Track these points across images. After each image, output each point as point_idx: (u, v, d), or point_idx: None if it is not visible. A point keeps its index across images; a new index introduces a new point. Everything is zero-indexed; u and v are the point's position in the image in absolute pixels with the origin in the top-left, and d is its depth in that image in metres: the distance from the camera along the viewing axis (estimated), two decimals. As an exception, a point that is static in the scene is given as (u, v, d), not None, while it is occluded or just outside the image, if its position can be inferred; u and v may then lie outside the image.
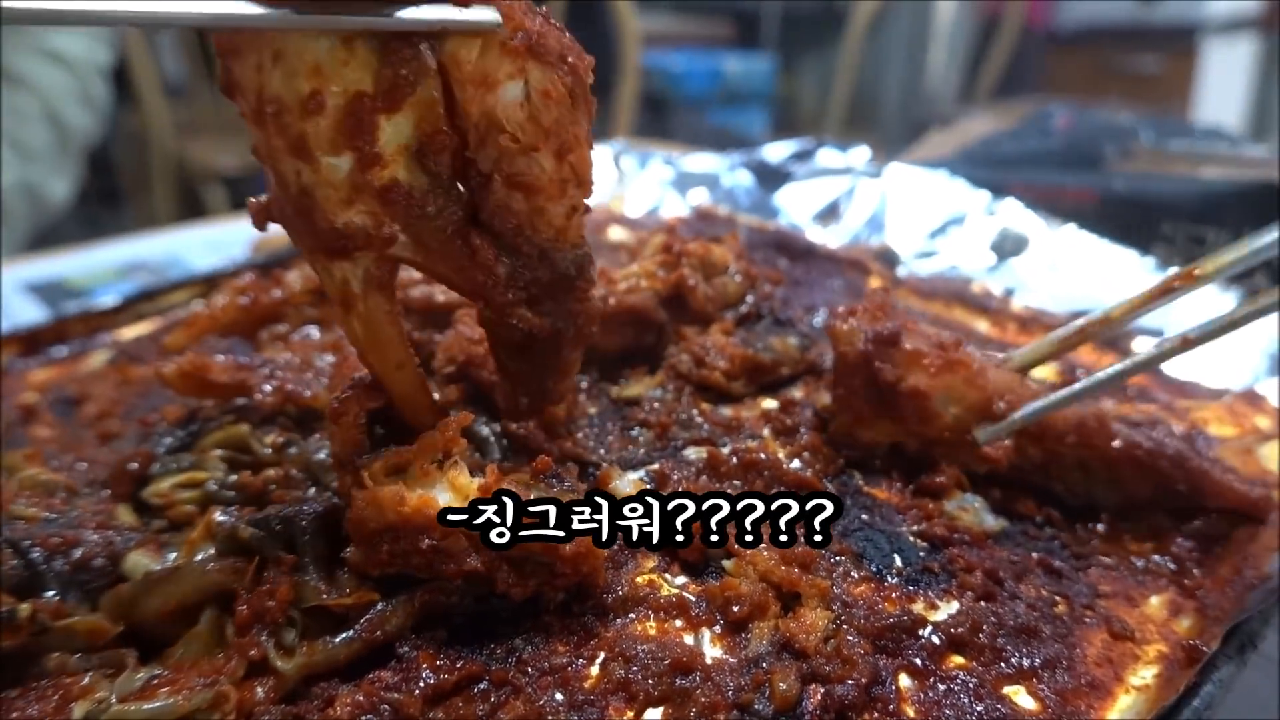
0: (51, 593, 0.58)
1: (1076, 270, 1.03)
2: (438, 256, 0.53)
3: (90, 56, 1.84)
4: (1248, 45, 4.59)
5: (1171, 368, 0.90)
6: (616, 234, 1.26)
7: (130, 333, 1.06)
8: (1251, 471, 0.76)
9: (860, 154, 1.26)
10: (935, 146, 1.57)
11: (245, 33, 0.46)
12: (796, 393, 0.83)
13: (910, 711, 0.53)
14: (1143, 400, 0.86)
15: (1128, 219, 1.17)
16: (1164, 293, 0.67)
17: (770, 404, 0.82)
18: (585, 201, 0.56)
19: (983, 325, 1.01)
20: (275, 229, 0.54)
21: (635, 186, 1.38)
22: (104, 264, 1.52)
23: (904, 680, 0.55)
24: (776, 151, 1.33)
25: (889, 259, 1.11)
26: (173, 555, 0.62)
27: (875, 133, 5.17)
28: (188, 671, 0.52)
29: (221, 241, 1.58)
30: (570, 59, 0.51)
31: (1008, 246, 1.07)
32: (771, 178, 1.29)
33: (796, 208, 1.24)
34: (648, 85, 4.03)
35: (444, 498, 0.55)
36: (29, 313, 1.32)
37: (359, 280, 0.52)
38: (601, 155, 1.44)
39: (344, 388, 0.64)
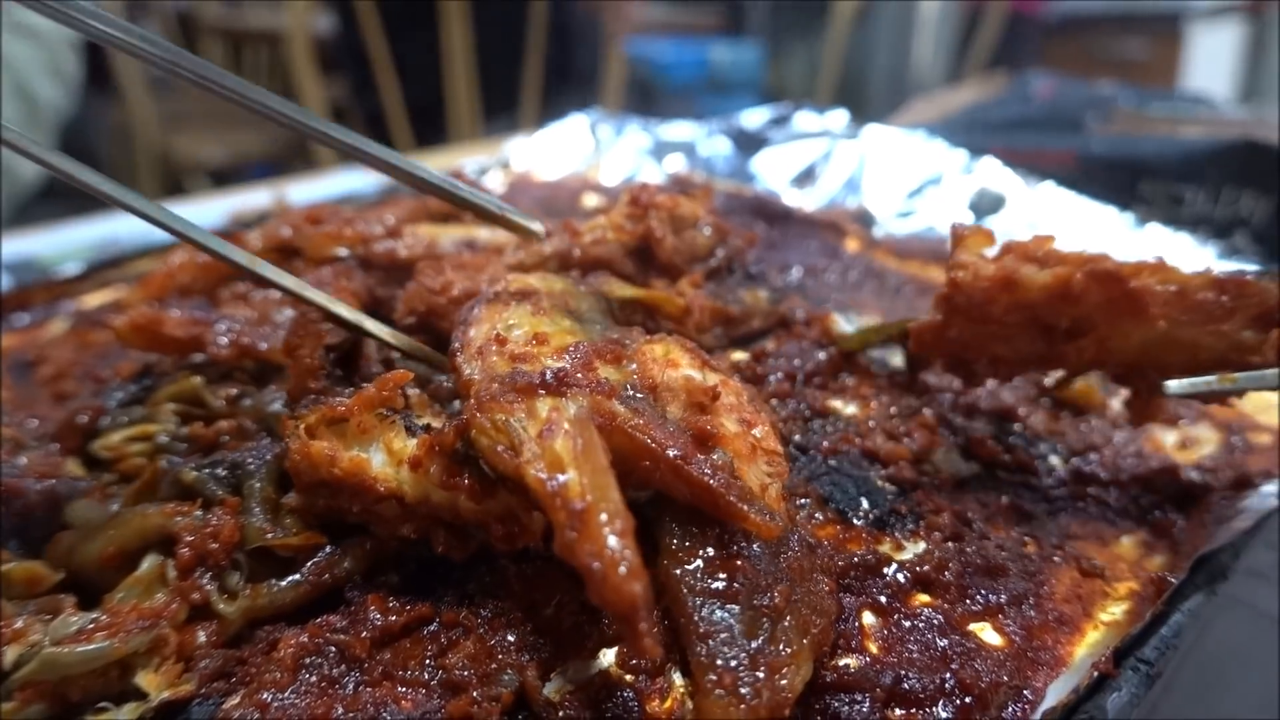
0: (-10, 541, 0.57)
1: (1054, 228, 1.02)
2: (653, 428, 0.49)
3: (60, 29, 1.81)
4: (1233, 29, 4.59)
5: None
6: (591, 201, 1.25)
7: (94, 300, 1.04)
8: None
9: (838, 117, 1.24)
10: (918, 114, 1.56)
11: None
12: (768, 345, 0.82)
13: (873, 648, 0.52)
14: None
15: (1106, 179, 1.16)
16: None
17: (741, 355, 0.81)
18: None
19: (959, 283, 0.99)
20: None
21: (611, 155, 1.36)
22: (76, 242, 1.50)
23: (868, 617, 0.54)
24: (754, 118, 1.31)
25: (865, 220, 1.10)
26: (116, 505, 0.60)
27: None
28: (127, 615, 0.51)
29: (197, 218, 1.55)
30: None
31: (985, 205, 1.06)
32: (749, 143, 1.28)
33: (773, 172, 1.23)
34: (634, 74, 4.01)
35: (377, 459, 0.53)
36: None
37: (571, 411, 0.48)
38: (578, 124, 1.43)
39: (300, 326, 0.62)
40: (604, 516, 0.41)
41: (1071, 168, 1.19)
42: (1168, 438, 0.72)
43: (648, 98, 4.60)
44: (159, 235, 1.28)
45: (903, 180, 1.13)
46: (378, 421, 0.54)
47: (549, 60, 2.83)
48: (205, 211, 1.55)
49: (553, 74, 2.89)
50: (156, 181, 3.98)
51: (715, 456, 0.51)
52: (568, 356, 0.56)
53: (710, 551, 0.49)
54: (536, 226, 0.64)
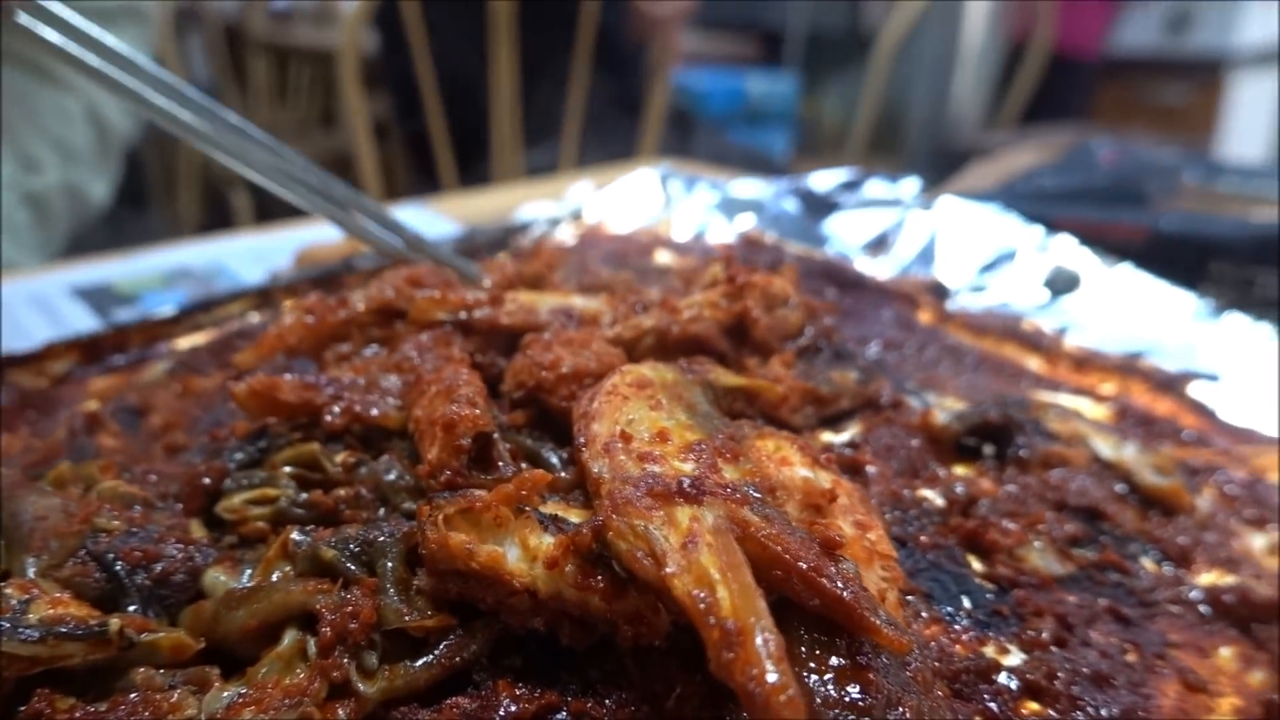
0: (133, 606, 0.59)
1: (1130, 310, 1.03)
2: (786, 538, 0.51)
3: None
4: (1274, 78, 4.60)
5: (1229, 413, 0.90)
6: (663, 258, 1.27)
7: (186, 342, 1.07)
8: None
9: (909, 186, 1.26)
10: (977, 178, 1.58)
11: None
12: (855, 426, 0.84)
13: (988, 757, 0.53)
14: (1201, 445, 0.86)
15: (1175, 258, 1.17)
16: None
17: (829, 436, 0.83)
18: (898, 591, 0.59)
19: (1034, 363, 1.01)
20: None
21: (681, 210, 1.39)
22: (149, 270, 1.54)
23: (980, 725, 0.55)
24: (823, 180, 1.34)
25: (939, 292, 1.12)
26: (248, 572, 0.63)
27: (899, 156, 5.19)
28: (272, 691, 0.53)
29: (264, 250, 1.60)
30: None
31: (1060, 284, 1.07)
32: (818, 207, 1.30)
33: (845, 236, 1.25)
34: (671, 103, 4.06)
35: (513, 553, 0.55)
36: (79, 316, 1.34)
37: (709, 521, 0.51)
38: (648, 178, 1.46)
39: (464, 402, 0.65)
40: (760, 639, 0.44)
41: (1141, 244, 1.21)
42: (1257, 541, 0.74)
43: (683, 126, 4.64)
44: (232, 271, 1.32)
45: (976, 254, 1.15)
46: (513, 516, 0.56)
47: (593, 89, 2.87)
48: (270, 243, 1.59)
49: (596, 103, 2.94)
50: (197, 192, 4.04)
51: (844, 566, 0.53)
52: (693, 456, 0.58)
53: (840, 661, 0.51)
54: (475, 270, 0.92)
